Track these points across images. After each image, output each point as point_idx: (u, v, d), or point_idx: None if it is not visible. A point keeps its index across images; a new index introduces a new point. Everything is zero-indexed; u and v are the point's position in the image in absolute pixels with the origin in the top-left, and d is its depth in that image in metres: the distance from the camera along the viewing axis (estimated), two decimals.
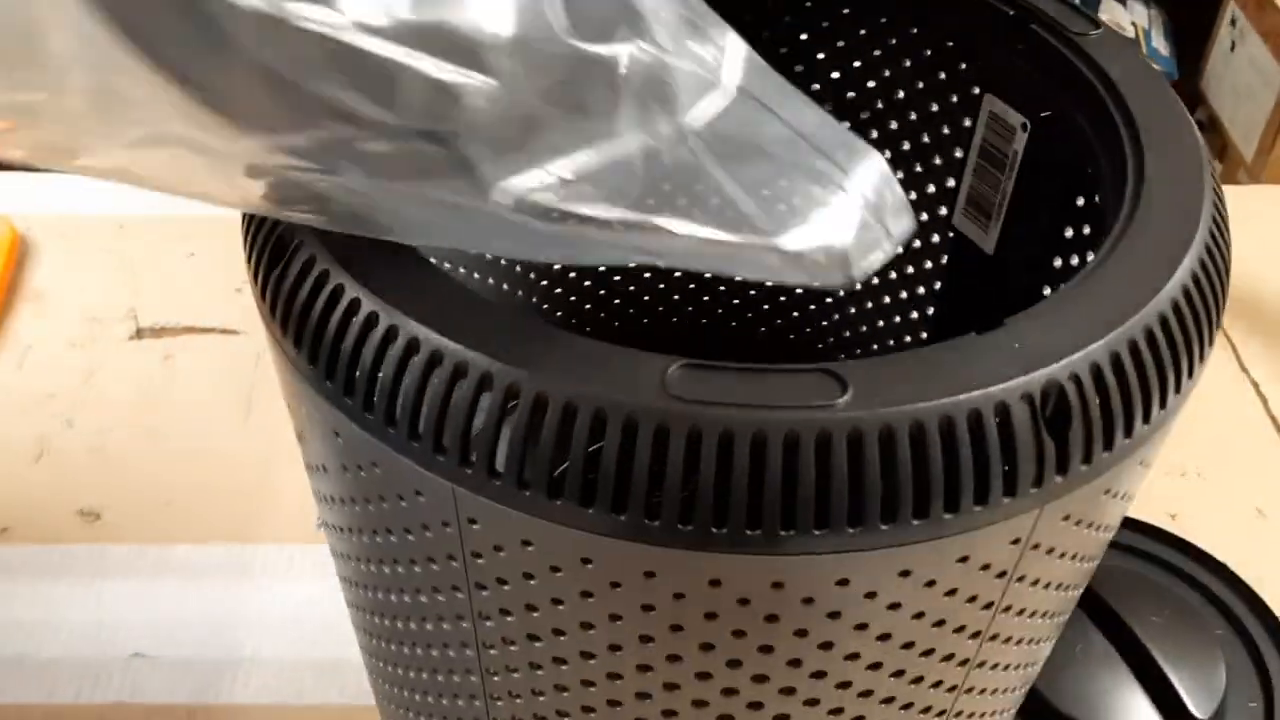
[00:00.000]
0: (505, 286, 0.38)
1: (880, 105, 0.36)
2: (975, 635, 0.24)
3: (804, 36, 0.36)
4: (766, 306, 0.42)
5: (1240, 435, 0.55)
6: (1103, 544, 0.26)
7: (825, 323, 0.41)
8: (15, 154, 0.18)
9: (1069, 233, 0.31)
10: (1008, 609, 0.24)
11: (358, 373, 0.22)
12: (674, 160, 0.21)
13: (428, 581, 0.24)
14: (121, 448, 0.53)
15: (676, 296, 0.42)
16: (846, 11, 0.35)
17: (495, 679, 0.25)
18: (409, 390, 0.21)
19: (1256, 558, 0.47)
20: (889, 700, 0.24)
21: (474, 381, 0.20)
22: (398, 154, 0.19)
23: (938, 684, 0.25)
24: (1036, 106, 0.31)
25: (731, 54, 0.22)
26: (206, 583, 0.47)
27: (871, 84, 0.36)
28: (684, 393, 0.20)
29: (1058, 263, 0.31)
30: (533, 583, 0.22)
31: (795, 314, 0.42)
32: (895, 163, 0.36)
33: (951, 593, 0.22)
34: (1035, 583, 0.24)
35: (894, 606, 0.22)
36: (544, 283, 0.40)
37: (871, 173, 0.22)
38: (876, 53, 0.35)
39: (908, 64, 0.35)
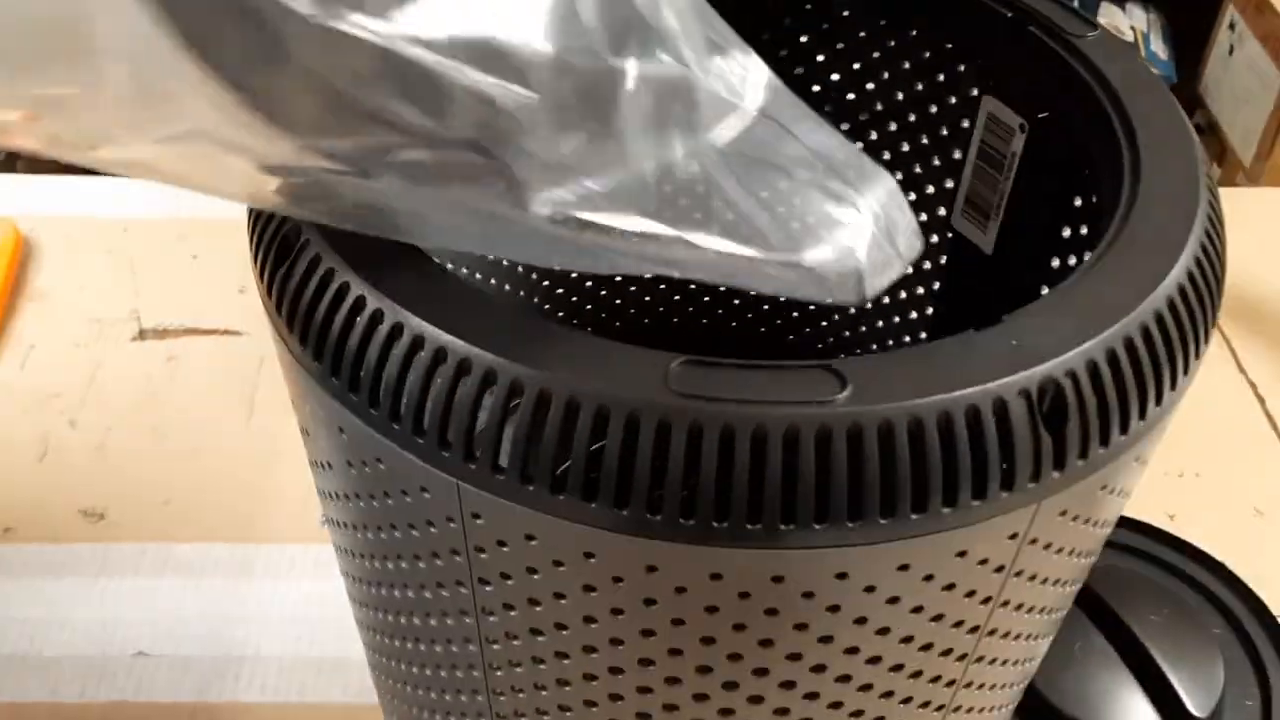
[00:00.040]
0: (507, 286, 0.38)
1: (880, 107, 0.36)
2: (974, 630, 0.24)
3: (804, 39, 0.36)
4: (766, 306, 0.42)
5: (1238, 436, 0.55)
6: (1100, 540, 0.26)
7: (825, 322, 0.42)
8: (30, 144, 0.18)
9: (1067, 233, 0.31)
10: (1005, 604, 0.24)
11: (362, 369, 0.22)
12: (693, 176, 0.21)
13: (431, 577, 0.24)
14: (124, 448, 0.53)
15: (677, 297, 0.42)
16: (846, 14, 0.35)
17: (498, 674, 0.25)
18: (413, 387, 0.21)
19: (1254, 557, 0.47)
20: (888, 694, 0.24)
21: (478, 378, 0.21)
22: (440, 162, 0.20)
23: (936, 679, 0.25)
24: (1035, 108, 0.31)
25: (754, 77, 0.22)
26: (209, 582, 0.48)
27: (871, 86, 0.36)
28: (685, 389, 0.20)
29: (1056, 262, 0.32)
30: (536, 577, 0.22)
31: (795, 314, 0.42)
32: (895, 164, 0.37)
33: (950, 587, 0.22)
34: (1033, 578, 0.24)
35: (893, 601, 0.22)
36: (545, 283, 0.40)
37: (884, 194, 0.23)
38: (876, 55, 0.36)
39: (907, 66, 0.35)
